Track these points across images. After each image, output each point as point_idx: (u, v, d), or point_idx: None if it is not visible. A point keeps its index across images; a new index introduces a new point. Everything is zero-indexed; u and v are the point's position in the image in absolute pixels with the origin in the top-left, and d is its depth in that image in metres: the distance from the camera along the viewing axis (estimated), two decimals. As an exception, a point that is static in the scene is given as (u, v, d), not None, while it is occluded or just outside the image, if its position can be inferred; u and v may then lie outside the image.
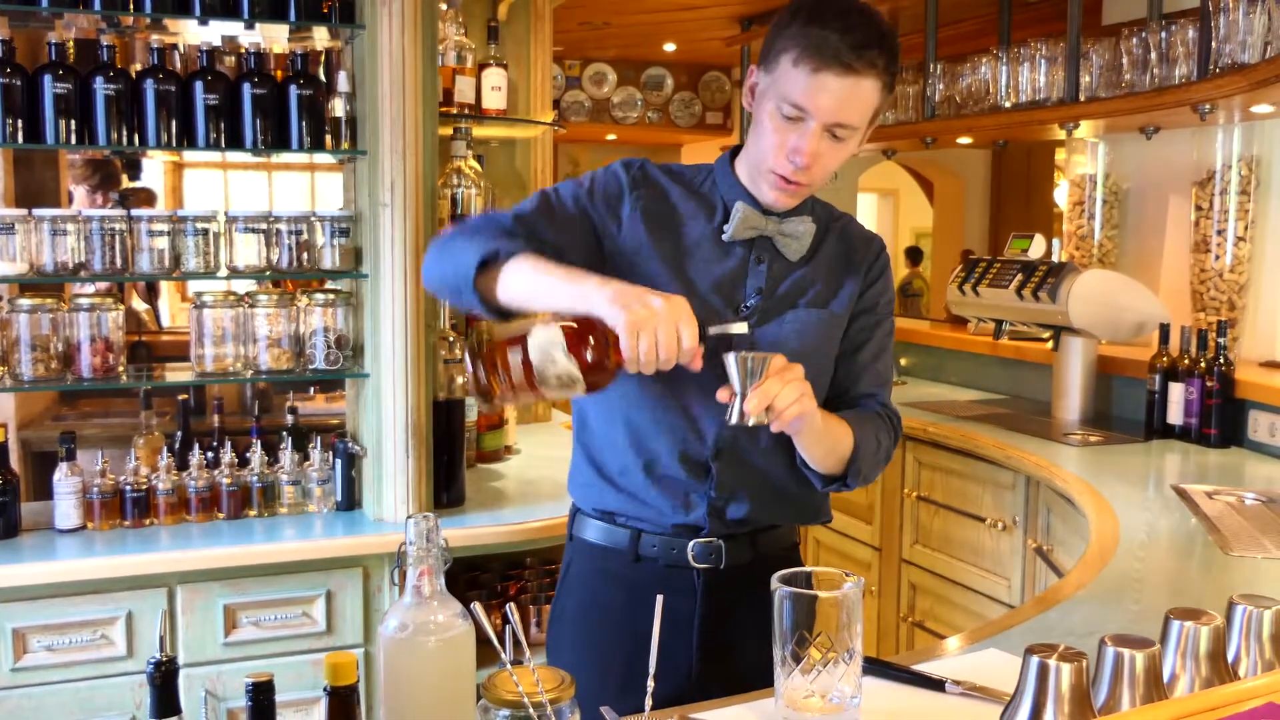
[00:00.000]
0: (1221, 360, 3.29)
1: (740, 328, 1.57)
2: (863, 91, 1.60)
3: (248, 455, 2.74)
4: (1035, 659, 1.06)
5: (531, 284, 1.56)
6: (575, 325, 1.47)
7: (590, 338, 1.46)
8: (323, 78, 2.81)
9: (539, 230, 1.67)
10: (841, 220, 1.86)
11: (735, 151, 1.80)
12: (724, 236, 1.73)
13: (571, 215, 1.73)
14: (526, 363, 1.46)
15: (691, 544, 1.74)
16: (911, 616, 3.78)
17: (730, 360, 1.53)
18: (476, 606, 1.18)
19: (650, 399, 1.73)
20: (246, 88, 2.59)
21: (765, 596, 1.50)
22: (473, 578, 2.94)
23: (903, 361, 4.80)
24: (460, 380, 2.84)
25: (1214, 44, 3.22)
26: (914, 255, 10.98)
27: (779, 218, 1.74)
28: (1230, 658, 1.19)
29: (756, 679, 1.56)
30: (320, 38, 2.81)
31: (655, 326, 1.43)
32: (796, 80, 1.59)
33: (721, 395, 1.55)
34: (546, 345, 1.46)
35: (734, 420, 1.54)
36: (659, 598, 1.25)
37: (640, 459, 1.75)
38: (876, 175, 9.26)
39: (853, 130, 1.63)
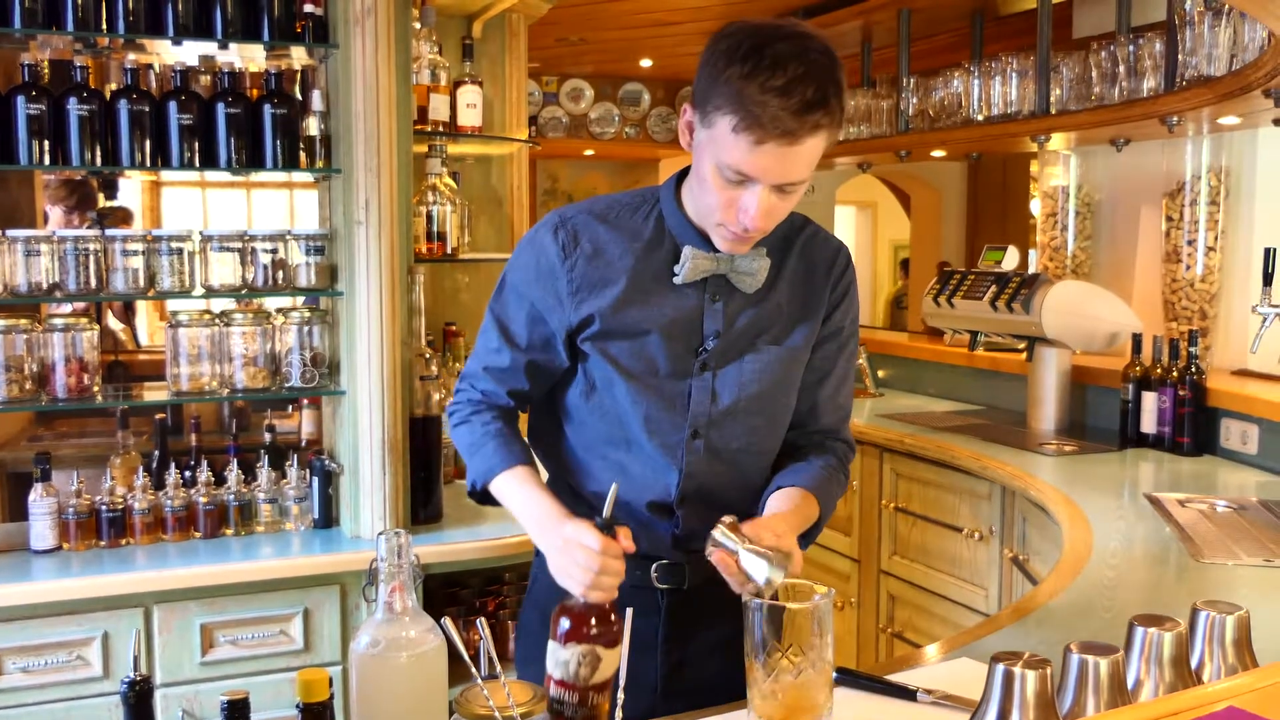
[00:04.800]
0: (1193, 369, 3.32)
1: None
2: (809, 150, 1.51)
3: (225, 474, 2.74)
4: (1000, 667, 1.07)
5: (510, 508, 1.71)
6: (569, 625, 1.43)
7: (583, 626, 1.42)
8: (298, 96, 2.81)
9: (521, 379, 1.75)
10: (804, 234, 1.78)
11: (681, 176, 1.71)
12: (675, 280, 1.67)
13: (534, 337, 1.72)
14: (563, 683, 1.41)
15: (654, 566, 1.73)
16: (891, 627, 3.79)
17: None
18: (447, 621, 1.19)
19: (619, 452, 1.73)
20: (220, 107, 2.60)
21: (729, 613, 1.50)
22: (451, 594, 2.94)
23: (880, 374, 4.83)
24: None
25: (1180, 57, 3.26)
26: (908, 267, 10.99)
27: (730, 256, 1.67)
28: (1194, 663, 1.21)
29: (721, 692, 1.57)
30: (297, 56, 2.82)
31: (591, 579, 1.44)
32: (738, 149, 1.49)
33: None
34: (566, 662, 1.40)
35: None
36: (628, 611, 1.26)
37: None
38: (854, 188, 9.30)
39: (803, 182, 1.56)
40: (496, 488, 1.71)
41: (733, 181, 1.53)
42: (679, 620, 1.75)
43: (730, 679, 1.47)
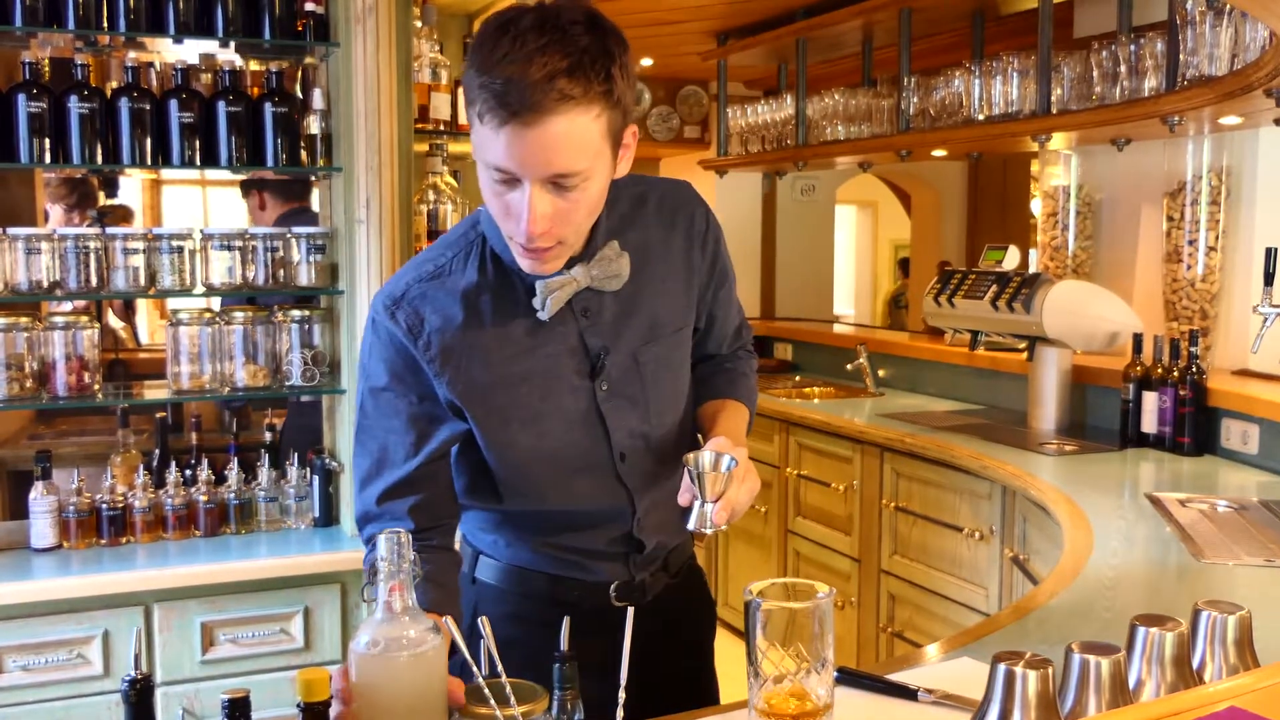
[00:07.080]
0: (1194, 369, 3.31)
1: None
2: (569, 129, 1.29)
3: (225, 472, 2.74)
4: (1002, 666, 1.07)
5: None
6: None
7: None
8: (299, 94, 2.81)
9: (422, 486, 1.52)
10: (648, 203, 1.60)
11: None
12: (540, 316, 1.49)
13: (420, 430, 1.51)
14: None
15: (612, 587, 1.64)
16: (891, 627, 3.79)
17: (690, 473, 1.42)
18: (448, 621, 1.19)
19: (564, 525, 1.62)
20: (221, 105, 2.60)
21: (683, 614, 1.46)
22: (452, 593, 2.94)
23: (880, 373, 4.83)
24: None
25: (1182, 57, 3.26)
26: (907, 267, 11.01)
27: (584, 263, 1.48)
28: (1195, 663, 1.21)
29: (684, 697, 1.55)
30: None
31: None
32: (489, 140, 1.30)
33: (683, 499, 1.43)
34: None
35: (693, 526, 1.44)
36: (629, 610, 1.25)
37: (568, 544, 1.64)
38: (855, 188, 9.29)
39: (580, 174, 1.33)
40: None
41: (501, 183, 1.34)
42: (639, 634, 1.70)
43: (696, 676, 1.44)
